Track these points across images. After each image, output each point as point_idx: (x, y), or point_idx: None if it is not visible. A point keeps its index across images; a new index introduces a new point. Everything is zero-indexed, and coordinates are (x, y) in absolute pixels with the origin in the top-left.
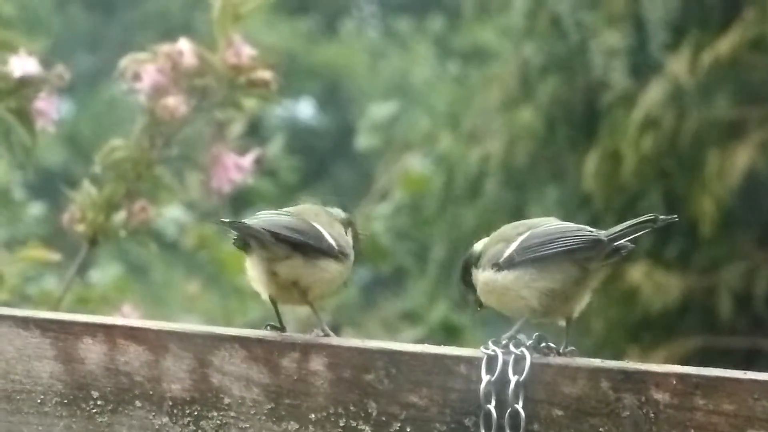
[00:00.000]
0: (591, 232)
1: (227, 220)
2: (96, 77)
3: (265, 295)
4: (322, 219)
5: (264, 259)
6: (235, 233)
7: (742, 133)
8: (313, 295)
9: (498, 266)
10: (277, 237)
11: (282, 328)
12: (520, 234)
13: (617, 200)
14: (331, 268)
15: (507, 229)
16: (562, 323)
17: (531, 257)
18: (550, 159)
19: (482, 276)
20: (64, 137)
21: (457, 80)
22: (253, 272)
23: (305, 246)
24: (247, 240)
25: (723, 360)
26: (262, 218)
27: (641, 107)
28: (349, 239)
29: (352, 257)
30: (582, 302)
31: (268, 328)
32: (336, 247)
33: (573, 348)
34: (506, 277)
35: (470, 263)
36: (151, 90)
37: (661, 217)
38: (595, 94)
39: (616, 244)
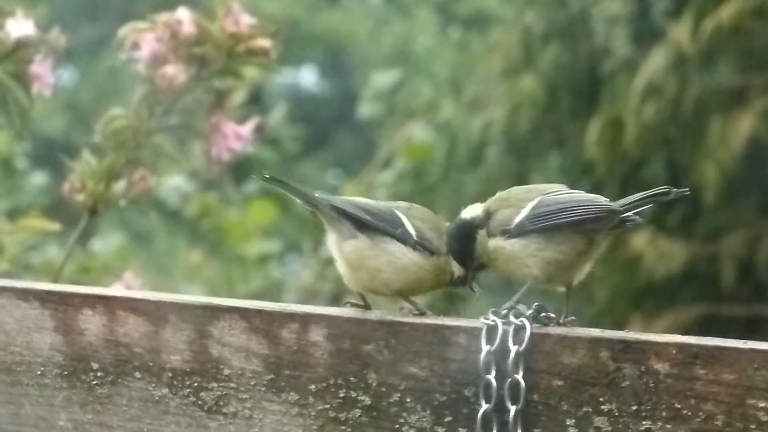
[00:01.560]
0: (605, 202)
1: (268, 175)
2: (97, 46)
3: (344, 278)
4: (416, 212)
5: (335, 239)
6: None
7: (745, 101)
8: (384, 281)
9: (508, 233)
10: (338, 210)
11: (366, 306)
12: (530, 200)
13: (619, 168)
14: (405, 255)
15: (516, 192)
16: (562, 290)
17: (543, 225)
18: (552, 127)
19: (492, 242)
20: (66, 106)
21: (459, 47)
22: (332, 251)
23: (372, 227)
24: (314, 212)
25: (725, 328)
26: (346, 198)
27: (643, 75)
28: (444, 239)
29: (442, 254)
30: (583, 271)
31: (349, 305)
32: (415, 236)
33: (573, 318)
34: (515, 244)
35: (471, 229)
36: (150, 59)
37: (675, 190)
38: (597, 62)
39: (623, 216)
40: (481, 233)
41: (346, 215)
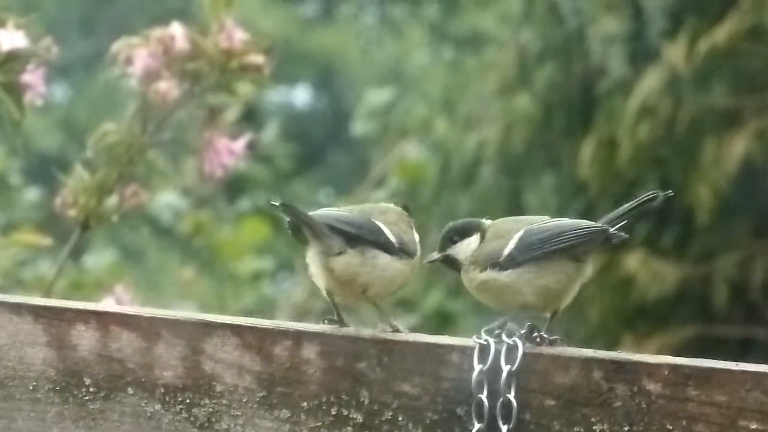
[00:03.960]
0: (592, 224)
1: (279, 202)
2: (92, 62)
3: (323, 290)
4: (389, 217)
5: (319, 253)
6: (288, 218)
7: (739, 122)
8: (374, 293)
9: (499, 265)
10: (330, 227)
11: (340, 322)
12: (517, 231)
13: (613, 188)
14: (390, 266)
15: (500, 226)
16: (547, 315)
17: (535, 254)
18: (547, 146)
19: (481, 276)
20: (60, 122)
21: (452, 66)
22: (311, 267)
23: (361, 240)
24: (301, 229)
25: (718, 349)
26: (318, 212)
27: (638, 95)
28: (416, 237)
29: (417, 255)
30: (572, 296)
31: (326, 321)
32: (396, 244)
33: (557, 337)
34: (510, 276)
35: (472, 233)
36: (143, 74)
37: (661, 193)
38: (592, 81)
39: (610, 231)
40: (465, 269)
41: (337, 231)
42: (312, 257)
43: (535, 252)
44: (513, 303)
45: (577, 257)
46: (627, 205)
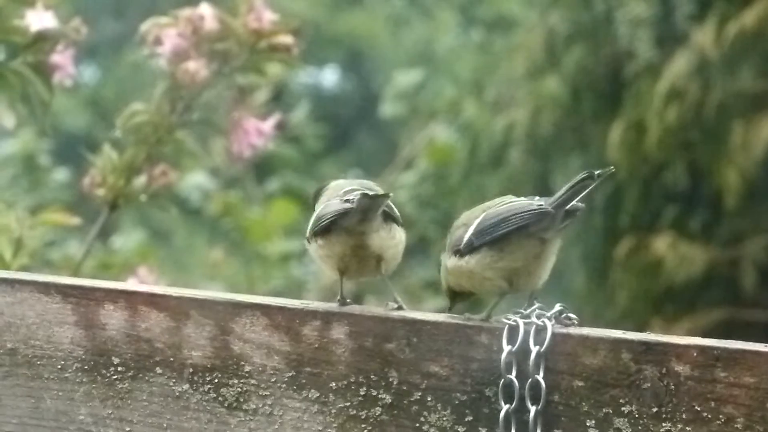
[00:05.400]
0: (537, 205)
1: (371, 194)
2: (120, 42)
3: (335, 271)
4: (378, 190)
5: (356, 234)
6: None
7: (767, 105)
8: (388, 267)
9: (460, 252)
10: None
11: (343, 300)
12: (477, 217)
13: (641, 171)
14: (402, 237)
15: (469, 212)
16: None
17: (488, 239)
18: (575, 128)
19: (449, 263)
20: (89, 102)
21: (481, 48)
22: (333, 249)
23: (388, 215)
24: (354, 215)
25: (746, 332)
26: (352, 188)
27: (666, 78)
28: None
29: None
30: (546, 273)
31: (339, 302)
32: (398, 215)
33: (570, 317)
34: (469, 261)
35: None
36: (172, 54)
37: (598, 172)
38: (620, 64)
39: (567, 207)
40: (442, 257)
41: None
42: (340, 240)
43: (487, 237)
44: (486, 289)
45: (537, 236)
46: (565, 187)
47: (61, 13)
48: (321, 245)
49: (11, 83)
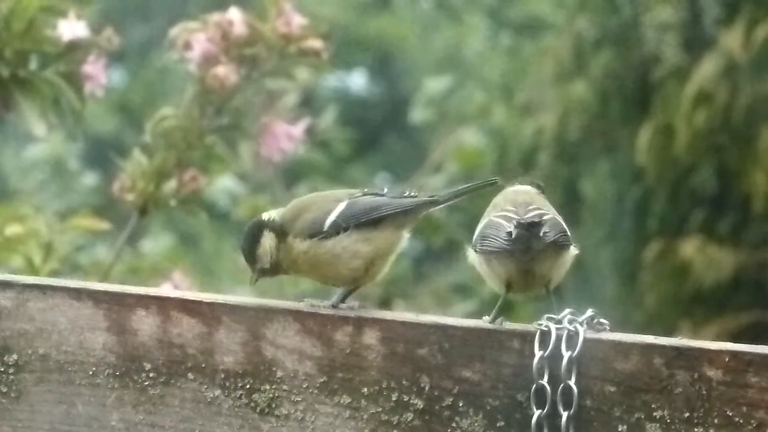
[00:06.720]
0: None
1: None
2: (148, 46)
3: (500, 288)
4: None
5: (522, 261)
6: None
7: None
8: (553, 284)
9: (322, 234)
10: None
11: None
12: (339, 201)
13: (670, 174)
14: (570, 257)
15: (315, 199)
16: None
17: (363, 220)
18: (603, 132)
19: (303, 245)
20: (117, 106)
21: (510, 52)
22: (494, 270)
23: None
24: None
25: None
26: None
27: (694, 82)
28: None
29: None
30: (387, 266)
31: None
32: None
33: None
34: (336, 243)
35: (260, 233)
36: (202, 59)
37: (501, 180)
38: (648, 69)
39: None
40: (269, 235)
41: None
42: (497, 261)
43: (363, 218)
44: (337, 273)
45: (402, 227)
46: (467, 186)
47: (89, 17)
48: (481, 263)
49: (43, 92)
